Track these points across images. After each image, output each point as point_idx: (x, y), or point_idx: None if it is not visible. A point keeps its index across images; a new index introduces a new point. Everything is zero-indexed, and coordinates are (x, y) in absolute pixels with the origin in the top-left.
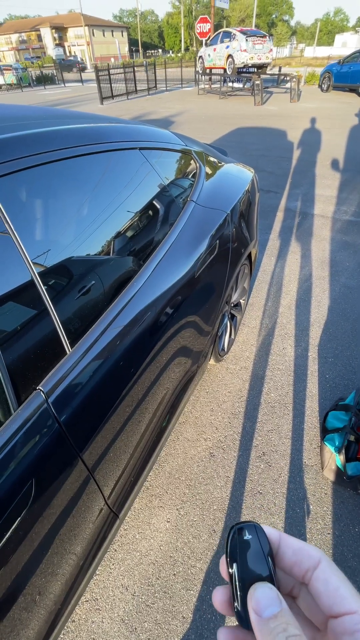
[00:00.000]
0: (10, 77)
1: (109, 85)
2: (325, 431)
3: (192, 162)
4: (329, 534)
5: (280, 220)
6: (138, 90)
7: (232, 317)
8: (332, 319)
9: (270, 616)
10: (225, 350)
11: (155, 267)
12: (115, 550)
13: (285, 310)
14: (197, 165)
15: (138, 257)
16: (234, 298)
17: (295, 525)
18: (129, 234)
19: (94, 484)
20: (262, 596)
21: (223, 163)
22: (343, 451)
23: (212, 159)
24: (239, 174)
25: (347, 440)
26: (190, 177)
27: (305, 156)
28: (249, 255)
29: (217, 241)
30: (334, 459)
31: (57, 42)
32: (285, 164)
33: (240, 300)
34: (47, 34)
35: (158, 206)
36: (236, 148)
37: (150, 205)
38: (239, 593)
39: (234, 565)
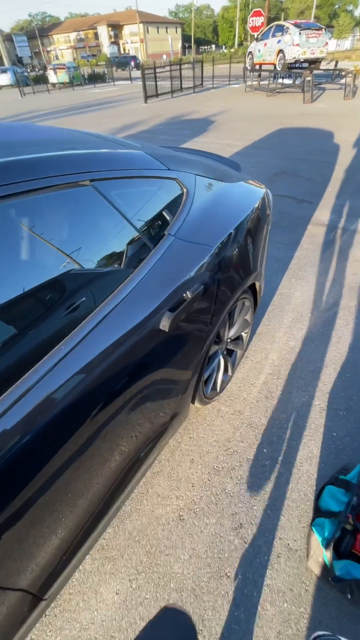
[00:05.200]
0: (63, 76)
1: (154, 83)
2: (317, 511)
3: (175, 188)
4: None
5: (310, 236)
6: (183, 88)
7: (230, 352)
8: (351, 360)
9: None
10: (218, 390)
11: (107, 314)
12: (56, 615)
13: (298, 345)
14: (184, 190)
15: (88, 302)
16: (232, 333)
17: (260, 625)
18: (71, 275)
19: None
20: None
21: (225, 183)
22: (332, 546)
23: (209, 181)
24: (240, 200)
25: (340, 530)
26: (171, 207)
27: (352, 162)
28: (253, 287)
29: (198, 281)
30: (323, 550)
31: (112, 39)
32: (327, 170)
33: (242, 334)
34: (104, 32)
35: (117, 246)
36: (274, 151)
37: (105, 247)
38: None
39: None
